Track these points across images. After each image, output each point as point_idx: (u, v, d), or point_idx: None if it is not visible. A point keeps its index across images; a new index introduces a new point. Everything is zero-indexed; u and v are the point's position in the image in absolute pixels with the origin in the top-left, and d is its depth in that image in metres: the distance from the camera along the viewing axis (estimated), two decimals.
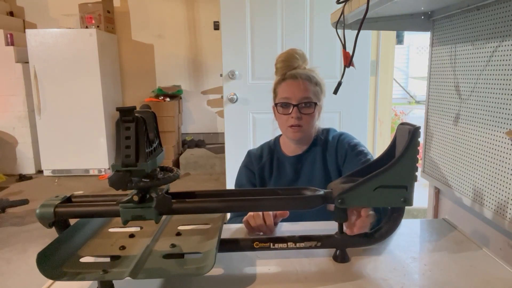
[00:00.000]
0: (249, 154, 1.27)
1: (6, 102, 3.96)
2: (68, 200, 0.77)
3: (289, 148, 1.22)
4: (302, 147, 1.20)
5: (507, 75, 0.96)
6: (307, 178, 1.18)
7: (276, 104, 1.16)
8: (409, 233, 0.94)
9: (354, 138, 1.19)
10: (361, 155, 1.11)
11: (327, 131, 1.22)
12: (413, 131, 0.71)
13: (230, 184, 2.37)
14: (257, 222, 0.92)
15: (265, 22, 2.26)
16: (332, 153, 1.17)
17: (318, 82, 1.15)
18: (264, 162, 1.23)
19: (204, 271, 0.64)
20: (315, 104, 1.13)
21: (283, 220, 0.99)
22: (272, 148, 1.25)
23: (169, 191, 0.77)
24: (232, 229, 0.98)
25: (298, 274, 0.74)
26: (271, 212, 0.94)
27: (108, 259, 0.72)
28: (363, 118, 2.38)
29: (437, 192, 1.45)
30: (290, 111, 1.12)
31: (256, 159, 1.24)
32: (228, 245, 0.78)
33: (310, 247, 0.77)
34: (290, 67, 1.14)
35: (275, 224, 0.96)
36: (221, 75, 2.33)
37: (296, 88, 1.11)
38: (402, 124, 0.76)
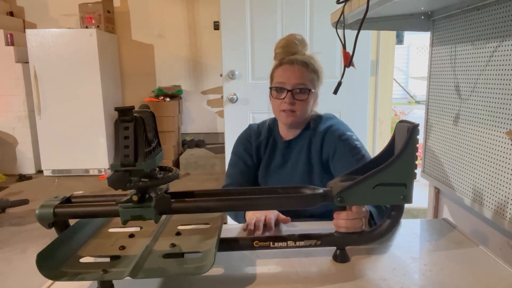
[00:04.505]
0: (250, 128, 1.28)
1: (6, 102, 3.95)
2: (67, 200, 0.77)
3: (283, 131, 1.22)
4: (295, 131, 1.19)
5: (507, 75, 0.96)
6: (292, 167, 1.18)
7: (271, 88, 1.16)
8: (409, 233, 0.94)
9: (346, 131, 1.14)
10: (354, 151, 1.07)
11: (320, 119, 1.19)
12: (412, 129, 0.71)
13: None
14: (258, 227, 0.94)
15: (265, 22, 2.26)
16: (317, 144, 1.14)
17: (316, 70, 1.14)
18: (261, 140, 1.23)
19: (204, 271, 0.64)
20: (310, 90, 1.12)
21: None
22: (271, 127, 1.25)
23: (168, 191, 0.77)
24: (232, 229, 0.98)
25: (298, 274, 0.74)
26: (273, 217, 0.95)
27: (108, 259, 0.72)
28: (363, 118, 2.38)
29: (437, 192, 1.45)
30: (284, 96, 1.11)
31: (255, 135, 1.25)
32: (227, 244, 0.78)
33: (310, 246, 0.77)
34: (289, 53, 1.14)
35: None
36: (221, 75, 2.33)
37: (291, 73, 1.11)
38: (401, 121, 0.76)
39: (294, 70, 1.11)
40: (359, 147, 1.09)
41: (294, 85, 1.10)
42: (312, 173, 1.15)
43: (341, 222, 0.77)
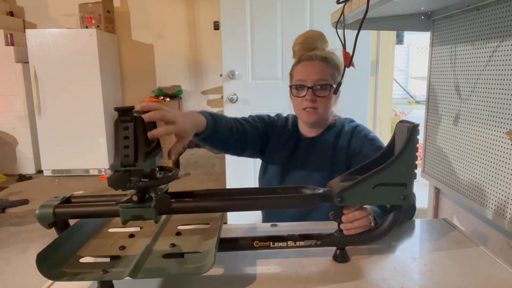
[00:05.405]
0: (278, 116, 1.24)
1: (6, 102, 3.96)
2: (67, 200, 0.77)
3: (305, 130, 1.19)
4: (317, 130, 1.16)
5: (507, 75, 0.96)
6: (314, 164, 1.14)
7: (291, 86, 1.12)
8: (409, 233, 0.94)
9: (371, 132, 1.14)
10: (378, 150, 1.07)
11: (344, 119, 1.19)
12: (412, 129, 0.71)
13: (230, 184, 2.37)
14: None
15: (265, 22, 2.26)
16: (345, 143, 1.12)
17: (336, 64, 1.10)
18: (285, 131, 1.20)
19: (204, 271, 0.64)
20: (331, 86, 1.08)
21: (286, 220, 0.99)
22: (295, 123, 1.22)
23: (168, 191, 0.77)
24: (232, 229, 0.98)
25: (298, 274, 0.74)
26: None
27: (108, 259, 0.72)
28: (363, 118, 2.38)
29: (437, 192, 1.45)
30: (305, 94, 1.08)
31: (281, 124, 1.21)
32: (227, 244, 0.78)
33: (310, 246, 0.77)
34: (308, 49, 1.11)
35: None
36: (221, 75, 2.33)
37: (311, 69, 1.07)
38: (401, 121, 0.76)
39: (314, 66, 1.07)
40: (383, 148, 1.09)
41: (315, 82, 1.07)
42: (334, 171, 1.11)
43: (348, 225, 0.77)
